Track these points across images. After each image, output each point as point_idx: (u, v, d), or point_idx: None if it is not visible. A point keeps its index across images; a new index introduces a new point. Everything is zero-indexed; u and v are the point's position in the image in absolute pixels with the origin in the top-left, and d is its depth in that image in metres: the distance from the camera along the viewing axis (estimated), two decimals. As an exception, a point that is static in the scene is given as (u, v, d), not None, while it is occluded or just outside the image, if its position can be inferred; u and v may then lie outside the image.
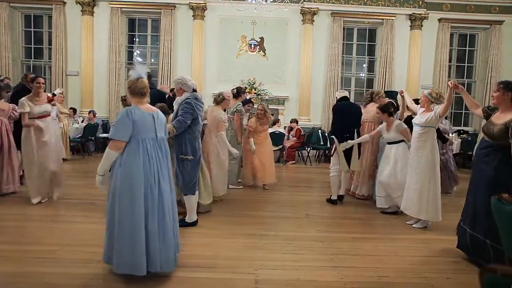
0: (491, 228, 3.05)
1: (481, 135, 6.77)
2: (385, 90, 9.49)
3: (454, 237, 3.61)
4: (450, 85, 3.64)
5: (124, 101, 6.19)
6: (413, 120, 4.37)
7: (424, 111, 4.26)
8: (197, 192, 4.08)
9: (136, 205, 2.63)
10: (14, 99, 5.15)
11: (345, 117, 5.23)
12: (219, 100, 5.04)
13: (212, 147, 4.92)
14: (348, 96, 5.79)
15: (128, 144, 2.67)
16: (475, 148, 5.41)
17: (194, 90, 3.99)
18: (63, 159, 7.62)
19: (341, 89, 9.04)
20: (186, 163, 3.89)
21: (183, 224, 3.99)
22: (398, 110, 5.36)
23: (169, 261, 2.80)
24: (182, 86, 3.94)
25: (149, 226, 2.68)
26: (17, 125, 5.01)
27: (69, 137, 8.13)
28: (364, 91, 10.75)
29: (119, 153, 2.66)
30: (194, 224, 4.04)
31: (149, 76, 4.45)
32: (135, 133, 2.66)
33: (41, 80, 4.73)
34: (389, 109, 4.85)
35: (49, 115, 4.82)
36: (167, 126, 3.55)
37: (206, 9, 9.98)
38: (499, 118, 3.17)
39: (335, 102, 7.45)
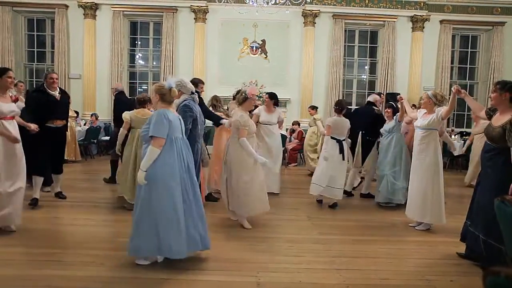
0: (483, 221, 3.07)
1: (477, 137, 6.78)
2: (387, 92, 9.53)
3: (457, 240, 3.60)
4: (454, 90, 3.62)
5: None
6: (414, 124, 4.36)
7: (425, 113, 4.22)
8: None
9: (176, 196, 2.95)
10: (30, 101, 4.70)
11: (352, 120, 5.39)
12: (241, 100, 4.22)
13: (235, 154, 4.07)
14: (372, 101, 5.94)
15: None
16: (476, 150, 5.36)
17: (193, 93, 3.99)
18: (72, 160, 7.71)
19: (372, 93, 9.05)
20: None
21: None
22: (398, 112, 5.37)
23: (206, 240, 3.18)
24: (181, 88, 3.94)
25: (186, 217, 3.00)
26: None
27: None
28: (366, 93, 10.76)
29: (160, 149, 2.93)
30: None
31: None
32: (169, 133, 2.97)
33: (12, 74, 3.89)
34: (336, 105, 5.19)
35: (13, 117, 3.83)
36: None
37: (208, 12, 10.01)
38: (498, 121, 3.13)
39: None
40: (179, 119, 3.14)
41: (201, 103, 4.51)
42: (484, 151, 3.28)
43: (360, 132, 5.69)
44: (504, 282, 1.44)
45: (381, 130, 5.52)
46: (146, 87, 10.67)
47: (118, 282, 2.81)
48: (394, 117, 5.35)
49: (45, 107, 4.57)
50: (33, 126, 4.15)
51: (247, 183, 4.03)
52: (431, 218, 4.13)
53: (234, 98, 6.24)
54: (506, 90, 3.07)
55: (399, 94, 9.80)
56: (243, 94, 4.20)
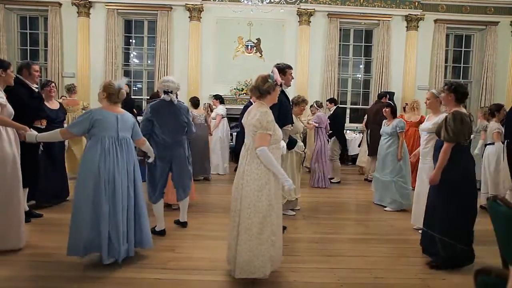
0: (439, 221, 3.21)
1: (476, 137, 6.76)
2: (382, 91, 9.55)
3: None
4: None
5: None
6: (420, 126, 4.27)
7: (431, 115, 4.06)
8: (160, 201, 3.84)
9: (87, 196, 2.91)
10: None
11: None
12: (267, 88, 2.78)
13: (253, 176, 2.72)
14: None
15: (89, 141, 3.01)
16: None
17: (166, 92, 3.81)
18: None
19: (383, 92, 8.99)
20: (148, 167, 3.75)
21: (152, 232, 3.64)
22: (396, 109, 5.38)
23: (120, 254, 2.98)
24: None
25: (101, 219, 2.91)
26: None
27: None
28: (361, 92, 10.80)
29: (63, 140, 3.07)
30: (160, 233, 3.81)
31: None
32: (96, 132, 2.98)
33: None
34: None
35: None
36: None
37: (203, 11, 9.97)
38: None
39: (329, 103, 7.75)
40: (117, 117, 3.04)
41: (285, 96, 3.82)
42: (435, 149, 3.42)
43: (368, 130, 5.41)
44: (495, 281, 1.46)
45: (381, 132, 5.45)
46: (141, 86, 10.63)
47: (110, 283, 2.80)
48: (397, 120, 5.32)
49: (30, 105, 3.91)
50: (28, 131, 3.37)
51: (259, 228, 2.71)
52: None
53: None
54: (451, 91, 3.29)
55: (394, 93, 9.87)
56: (268, 80, 2.77)
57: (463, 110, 3.26)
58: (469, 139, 3.28)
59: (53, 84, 4.95)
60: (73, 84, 6.78)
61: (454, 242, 3.13)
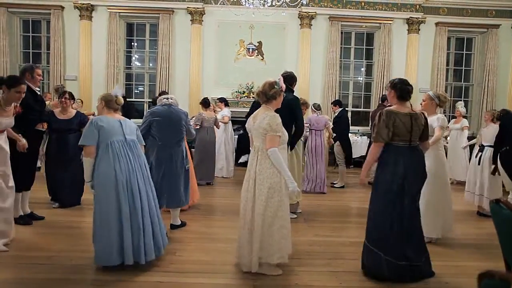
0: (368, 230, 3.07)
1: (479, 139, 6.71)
2: (383, 94, 9.55)
3: (453, 240, 3.61)
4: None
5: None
6: None
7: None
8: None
9: (109, 201, 2.92)
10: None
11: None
12: (272, 94, 3.01)
13: (267, 175, 2.93)
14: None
15: (98, 148, 3.00)
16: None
17: (166, 98, 4.11)
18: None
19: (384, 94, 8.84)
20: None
21: None
22: None
23: (148, 251, 3.01)
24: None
25: (123, 221, 2.92)
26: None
27: None
28: (362, 95, 10.80)
29: (93, 158, 2.97)
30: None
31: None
32: (102, 138, 2.99)
33: (24, 88, 3.47)
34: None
35: (3, 131, 3.44)
36: None
37: (204, 14, 10.01)
38: None
39: (333, 105, 7.62)
40: (120, 122, 3.10)
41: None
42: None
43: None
44: (499, 284, 1.45)
45: None
46: (142, 89, 10.65)
47: (112, 285, 2.80)
48: None
49: (34, 108, 4.02)
50: (23, 142, 3.69)
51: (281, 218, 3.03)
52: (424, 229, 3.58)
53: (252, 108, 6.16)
54: (393, 88, 3.07)
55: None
56: (274, 86, 3.00)
57: (403, 110, 2.98)
58: (411, 140, 2.98)
59: (66, 95, 4.77)
60: (61, 84, 6.61)
61: (376, 250, 2.93)
